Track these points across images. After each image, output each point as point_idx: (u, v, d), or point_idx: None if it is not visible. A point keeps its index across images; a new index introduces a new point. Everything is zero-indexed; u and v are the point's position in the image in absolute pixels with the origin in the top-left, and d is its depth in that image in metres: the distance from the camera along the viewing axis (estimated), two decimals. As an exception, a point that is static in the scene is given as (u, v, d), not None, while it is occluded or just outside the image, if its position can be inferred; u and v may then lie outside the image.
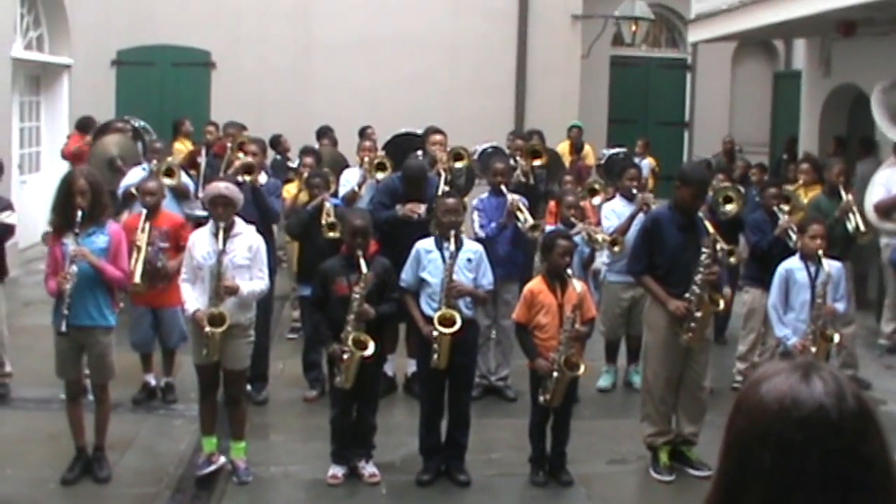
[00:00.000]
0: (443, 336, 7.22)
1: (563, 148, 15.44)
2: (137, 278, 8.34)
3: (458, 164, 10.10)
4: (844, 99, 15.46)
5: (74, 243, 6.91)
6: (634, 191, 9.68)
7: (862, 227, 9.77)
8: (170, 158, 11.29)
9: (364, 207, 9.22)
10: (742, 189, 11.21)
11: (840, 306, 8.12)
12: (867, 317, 11.37)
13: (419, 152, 10.52)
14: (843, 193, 9.93)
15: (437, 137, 10.58)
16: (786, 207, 9.53)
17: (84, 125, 13.97)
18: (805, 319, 7.95)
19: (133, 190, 9.64)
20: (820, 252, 7.96)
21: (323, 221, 9.01)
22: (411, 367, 9.06)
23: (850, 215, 9.76)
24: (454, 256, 7.40)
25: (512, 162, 10.70)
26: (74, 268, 6.86)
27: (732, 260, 9.38)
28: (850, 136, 15.24)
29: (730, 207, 9.39)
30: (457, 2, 17.10)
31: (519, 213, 9.09)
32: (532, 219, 9.13)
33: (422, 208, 9.14)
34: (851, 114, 15.55)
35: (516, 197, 9.21)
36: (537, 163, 10.52)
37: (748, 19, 14.46)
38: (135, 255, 8.31)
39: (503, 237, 9.18)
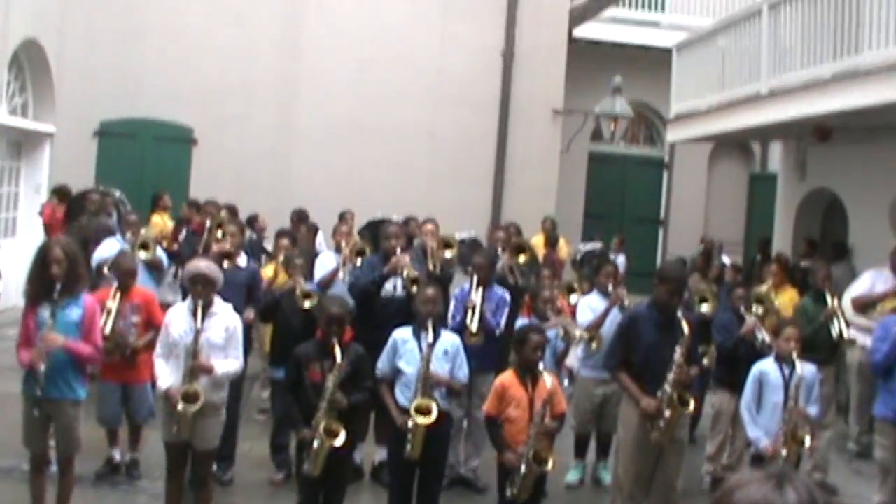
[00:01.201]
0: (418, 426, 7.20)
1: (537, 240, 15.48)
2: (108, 330, 8.26)
3: (448, 254, 10.16)
4: (819, 202, 15.67)
5: (50, 315, 6.89)
6: (610, 287, 9.74)
7: (846, 334, 9.84)
8: (143, 231, 11.26)
9: (342, 292, 9.23)
10: (716, 289, 11.33)
11: (813, 410, 8.13)
12: (838, 421, 11.39)
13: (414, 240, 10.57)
14: (828, 298, 10.02)
15: (429, 227, 10.69)
16: (760, 310, 9.59)
17: (60, 193, 14.00)
18: (777, 421, 7.97)
19: (105, 268, 9.61)
20: (794, 354, 8.01)
21: (297, 292, 9.00)
22: (380, 454, 9.01)
23: (835, 320, 9.84)
24: (431, 346, 7.41)
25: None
26: (49, 347, 6.84)
27: (705, 361, 9.42)
28: (823, 239, 15.41)
29: (705, 307, 9.47)
30: (439, 92, 17.27)
31: (469, 313, 9.08)
32: (477, 321, 9.03)
33: (406, 258, 9.23)
34: (825, 217, 15.75)
35: (474, 299, 9.17)
36: (521, 259, 10.57)
37: (726, 121, 14.73)
38: (104, 316, 8.25)
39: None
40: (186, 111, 17.04)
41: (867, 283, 10.94)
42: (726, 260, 15.55)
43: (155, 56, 16.92)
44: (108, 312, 8.33)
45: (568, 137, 18.48)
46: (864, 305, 10.60)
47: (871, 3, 10.90)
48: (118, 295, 8.53)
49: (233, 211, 12.83)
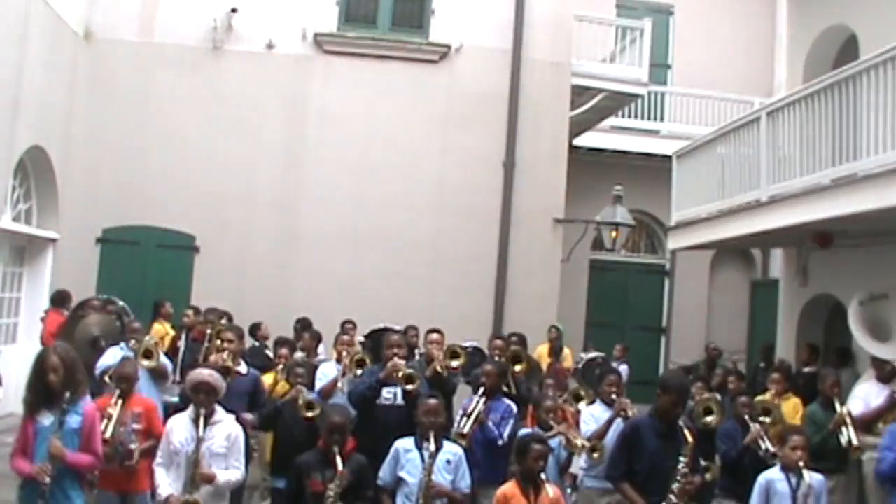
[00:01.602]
0: (421, 536, 7.12)
1: (542, 350, 15.47)
2: (108, 434, 8.16)
3: (454, 363, 10.14)
4: (821, 308, 15.66)
5: (57, 425, 6.83)
6: (614, 396, 9.68)
7: (855, 442, 9.75)
8: (147, 338, 11.22)
9: (342, 402, 9.17)
10: (720, 398, 11.26)
11: (822, 520, 8.05)
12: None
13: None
14: (836, 405, 9.95)
15: (434, 336, 10.71)
16: (767, 419, 9.52)
17: (60, 300, 13.99)
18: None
19: (107, 378, 9.53)
20: (801, 463, 7.92)
21: (300, 402, 8.94)
22: (383, 565, 8.86)
23: (844, 428, 9.75)
24: (433, 457, 7.36)
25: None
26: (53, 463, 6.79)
27: (708, 476, 9.33)
28: (827, 345, 15.37)
29: (710, 419, 9.39)
30: (441, 201, 17.36)
31: (464, 419, 9.02)
32: (469, 426, 8.98)
33: (401, 362, 9.20)
34: (828, 323, 15.72)
35: (480, 403, 9.14)
36: (517, 368, 10.54)
37: (726, 229, 14.78)
38: (105, 421, 8.17)
39: (480, 440, 9.10)
40: (188, 219, 17.10)
41: (861, 400, 10.88)
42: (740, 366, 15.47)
43: (158, 164, 17.04)
44: (109, 418, 8.26)
45: (569, 246, 18.51)
46: (867, 424, 10.49)
47: (867, 108, 11.02)
48: (119, 402, 8.46)
49: (228, 318, 12.79)
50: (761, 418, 9.53)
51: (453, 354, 10.23)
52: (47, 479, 6.73)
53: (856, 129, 11.32)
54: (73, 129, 16.65)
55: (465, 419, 8.99)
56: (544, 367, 14.91)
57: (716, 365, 15.80)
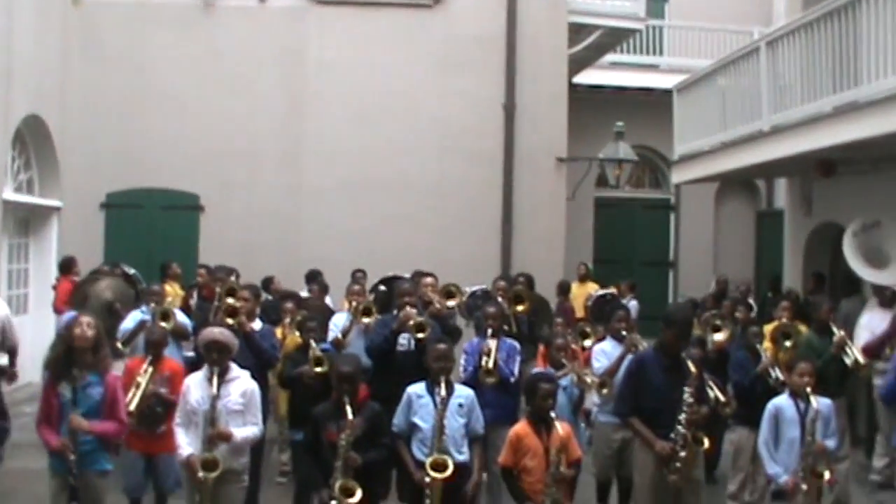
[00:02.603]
0: (435, 481, 7.20)
1: (576, 290, 16.19)
2: (132, 407, 8.27)
3: (451, 303, 10.21)
4: (827, 237, 15.66)
5: (72, 398, 6.93)
6: (623, 332, 9.75)
7: (861, 360, 9.84)
8: (169, 300, 11.31)
9: (353, 352, 9.23)
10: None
11: (831, 443, 8.13)
12: (857, 452, 11.35)
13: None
14: (834, 330, 10.02)
15: (428, 280, 10.76)
16: (788, 343, 9.61)
17: (66, 266, 14.05)
18: (795, 456, 7.96)
19: (119, 345, 9.60)
20: (808, 389, 7.99)
21: (310, 356, 9.04)
22: (403, 511, 8.98)
23: (847, 350, 9.83)
24: (445, 402, 7.43)
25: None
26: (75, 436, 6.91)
27: (728, 410, 9.43)
28: (833, 273, 15.39)
29: (718, 336, 9.49)
30: (443, 146, 17.33)
31: (484, 357, 9.13)
32: (492, 362, 9.13)
33: (413, 310, 9.36)
34: (834, 251, 15.73)
35: (492, 342, 9.25)
36: (519, 308, 10.60)
37: (729, 160, 14.76)
38: (133, 390, 8.29)
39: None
40: (191, 178, 17.10)
41: (865, 329, 10.97)
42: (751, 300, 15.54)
43: (157, 126, 17.01)
44: (138, 386, 8.36)
45: (573, 184, 18.53)
46: (874, 351, 10.56)
47: (867, 34, 10.93)
48: (150, 369, 8.57)
49: (236, 275, 12.82)
50: (784, 342, 9.62)
51: (449, 294, 10.31)
52: (71, 456, 6.85)
53: (856, 55, 11.24)
54: (68, 96, 16.63)
55: (485, 357, 9.12)
56: (579, 305, 15.18)
57: (725, 296, 15.87)
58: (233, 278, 12.23)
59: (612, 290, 16.18)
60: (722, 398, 9.29)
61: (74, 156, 16.61)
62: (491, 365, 9.07)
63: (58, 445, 6.95)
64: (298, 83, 17.40)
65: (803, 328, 11.27)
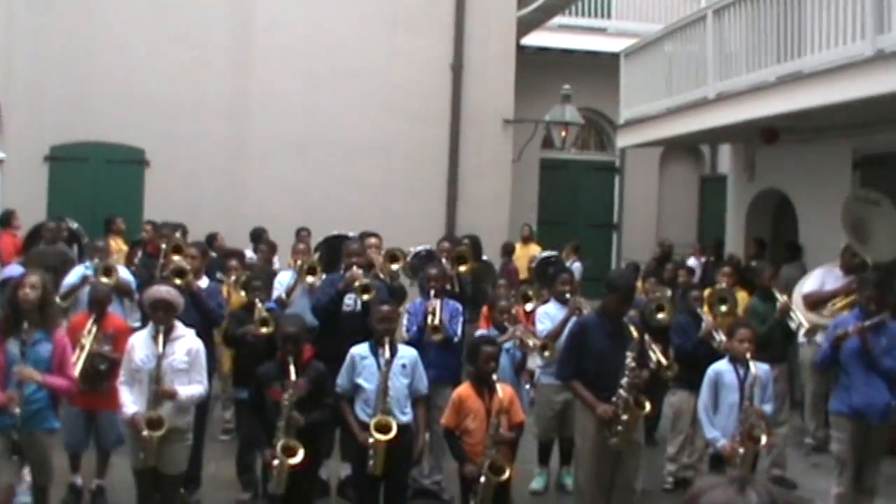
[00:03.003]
0: (379, 443, 7.28)
1: (521, 251, 16.24)
2: (77, 370, 8.25)
3: (394, 266, 10.27)
4: (768, 203, 15.88)
5: (20, 352, 6.92)
6: (568, 295, 9.86)
7: (805, 324, 10.04)
8: (114, 258, 11.23)
9: (298, 312, 9.26)
10: (670, 294, 11.54)
11: (768, 408, 8.30)
12: (794, 416, 11.58)
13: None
14: (777, 295, 10.21)
15: (373, 241, 10.77)
16: (724, 307, 9.77)
17: (5, 219, 13.92)
18: (733, 421, 8.13)
19: (58, 299, 9.51)
20: (748, 355, 8.16)
21: (255, 316, 9.05)
22: (345, 470, 9.07)
23: (792, 314, 10.02)
24: (389, 363, 7.50)
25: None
26: (22, 390, 6.87)
27: (670, 374, 9.58)
28: (774, 239, 15.62)
29: (661, 316, 9.65)
30: (390, 105, 17.32)
31: (430, 316, 9.24)
32: (437, 320, 9.26)
33: (359, 271, 9.35)
34: (776, 217, 15.96)
35: (436, 301, 9.35)
36: (462, 268, 10.69)
37: (674, 126, 14.91)
38: (77, 352, 8.25)
39: (433, 341, 9.28)
40: (137, 133, 16.93)
41: (817, 280, 11.20)
42: (692, 263, 15.72)
43: (103, 79, 16.82)
44: (82, 348, 8.32)
45: (519, 146, 18.60)
46: (815, 303, 10.82)
47: (811, 6, 11.12)
48: (94, 328, 8.49)
49: (183, 231, 12.77)
50: (719, 306, 9.77)
51: (393, 258, 10.38)
52: (17, 410, 6.83)
53: (800, 27, 11.43)
54: (12, 46, 16.39)
55: (430, 316, 9.22)
56: (523, 266, 15.31)
57: (668, 260, 16.08)
58: (179, 234, 12.17)
59: (555, 252, 16.29)
60: (664, 361, 9.44)
61: (18, 107, 16.42)
62: (437, 322, 9.17)
63: (2, 400, 6.93)
64: (246, 38, 17.27)
65: (743, 293, 11.49)
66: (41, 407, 7.11)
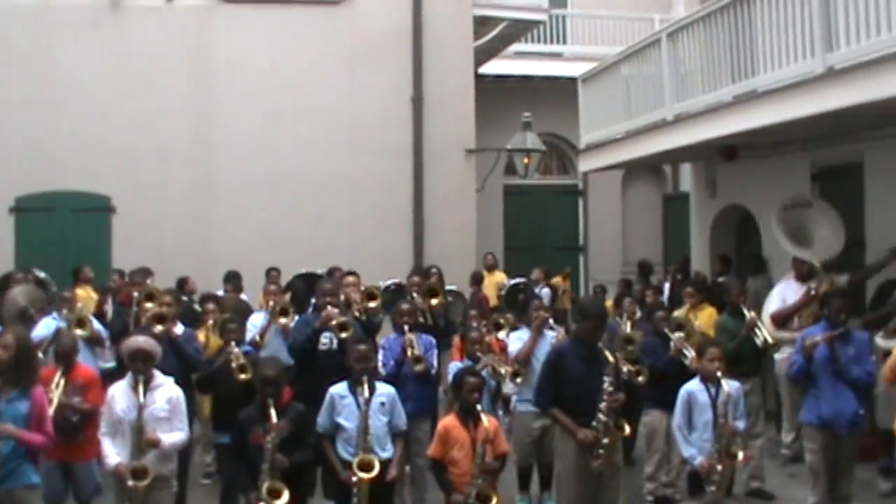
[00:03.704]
0: (362, 481, 7.37)
1: (489, 279, 16.39)
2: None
3: (372, 304, 10.38)
4: (731, 219, 16.09)
5: None
6: (551, 321, 10.09)
7: (770, 340, 10.21)
8: (80, 306, 11.24)
9: (271, 354, 9.33)
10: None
11: (741, 424, 8.45)
12: (769, 428, 11.72)
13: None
14: (745, 311, 10.38)
15: (351, 279, 10.90)
16: (680, 334, 9.90)
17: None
18: (709, 438, 8.27)
19: (39, 353, 9.51)
20: (719, 373, 8.31)
21: (233, 364, 9.08)
22: (328, 508, 9.12)
23: (757, 330, 10.20)
24: (368, 402, 7.60)
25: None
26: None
27: (641, 379, 9.68)
28: (739, 253, 15.81)
29: (631, 348, 9.84)
30: (353, 140, 17.41)
31: (409, 350, 9.37)
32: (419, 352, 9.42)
33: (335, 310, 9.47)
34: (739, 233, 16.17)
35: (411, 335, 9.48)
36: (434, 301, 10.81)
37: (635, 149, 15.10)
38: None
39: (409, 374, 9.39)
40: (102, 180, 16.89)
41: (778, 297, 11.41)
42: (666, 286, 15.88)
43: (66, 127, 16.79)
44: (50, 402, 8.29)
45: (482, 175, 18.73)
46: (783, 319, 11.01)
47: (762, 26, 11.35)
48: (62, 380, 8.46)
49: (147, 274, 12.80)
50: (675, 333, 9.92)
51: (370, 296, 10.49)
52: None
53: (752, 46, 11.66)
54: (-25, 97, 16.38)
55: (409, 349, 9.38)
56: (491, 294, 15.42)
57: (648, 277, 16.30)
58: (150, 280, 12.21)
59: (523, 279, 16.43)
60: (633, 368, 9.56)
61: (-18, 159, 16.38)
62: (418, 353, 9.32)
63: None
64: (207, 82, 17.33)
65: (711, 309, 11.65)
66: (20, 463, 7.12)
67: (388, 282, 12.86)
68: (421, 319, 10.50)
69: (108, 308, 12.44)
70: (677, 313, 11.58)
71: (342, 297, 10.33)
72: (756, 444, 10.13)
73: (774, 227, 12.05)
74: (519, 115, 18.38)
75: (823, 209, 12.20)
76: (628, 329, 10.84)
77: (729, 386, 8.28)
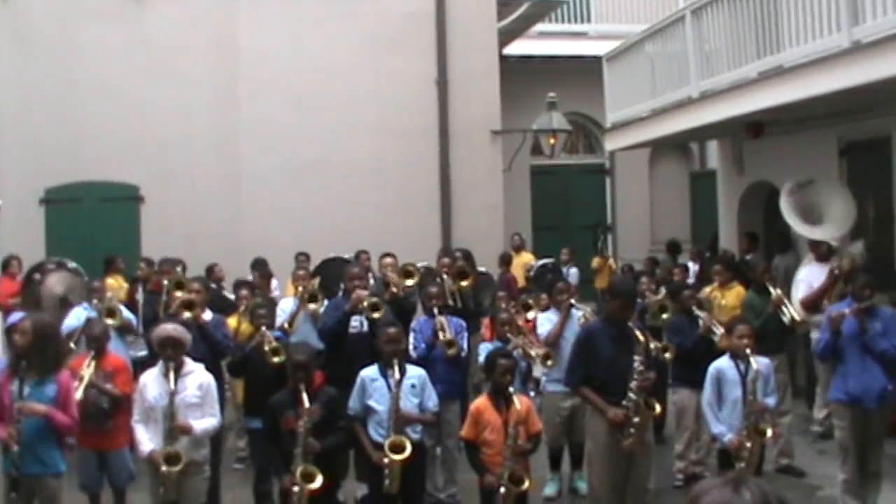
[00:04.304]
0: (394, 462, 7.44)
1: (517, 261, 16.37)
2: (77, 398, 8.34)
3: (409, 282, 10.45)
4: (759, 195, 16.03)
5: (19, 393, 7.04)
6: (573, 303, 10.10)
7: (797, 317, 10.23)
8: (109, 295, 11.34)
9: (303, 338, 9.42)
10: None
11: (770, 401, 8.48)
12: (798, 404, 11.73)
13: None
14: (771, 289, 10.39)
15: (388, 260, 11.04)
16: (665, 316, 9.94)
17: (6, 264, 14.02)
18: (738, 416, 8.29)
19: (72, 344, 9.60)
20: (748, 350, 8.32)
21: (266, 348, 9.15)
22: (361, 490, 9.18)
23: (784, 308, 10.21)
24: (399, 384, 7.66)
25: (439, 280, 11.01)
26: (21, 428, 6.98)
27: (668, 355, 9.70)
28: (767, 231, 15.77)
29: (665, 316, 9.84)
30: (379, 123, 17.46)
31: (441, 333, 9.42)
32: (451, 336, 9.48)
33: (364, 292, 9.54)
34: (767, 210, 16.11)
35: (442, 318, 9.53)
36: (464, 283, 10.86)
37: (661, 127, 15.03)
38: (76, 383, 8.33)
39: (440, 357, 9.45)
40: (130, 170, 17.02)
41: (804, 283, 11.35)
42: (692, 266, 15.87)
43: (93, 118, 16.91)
44: (81, 380, 8.42)
45: (509, 155, 18.75)
46: (813, 303, 10.93)
47: (787, 2, 11.28)
48: (92, 363, 8.57)
49: (183, 266, 12.86)
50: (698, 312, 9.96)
51: (407, 273, 10.55)
52: (15, 447, 6.95)
53: (777, 21, 11.60)
54: (1, 93, 16.49)
55: (440, 333, 9.45)
56: (519, 274, 15.45)
57: (676, 259, 16.29)
58: (179, 269, 12.30)
59: (551, 259, 16.48)
60: (659, 345, 9.59)
61: (10, 152, 16.48)
62: (450, 336, 9.38)
63: (3, 435, 7.04)
64: (232, 69, 17.40)
65: (739, 287, 11.65)
66: (48, 448, 7.22)
67: (418, 265, 12.90)
68: (450, 302, 10.56)
69: (139, 297, 12.53)
70: (705, 291, 11.61)
71: (374, 279, 10.40)
72: (784, 421, 10.17)
73: (784, 212, 12.05)
74: (544, 95, 18.39)
75: (826, 185, 12.17)
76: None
77: (758, 363, 8.30)
